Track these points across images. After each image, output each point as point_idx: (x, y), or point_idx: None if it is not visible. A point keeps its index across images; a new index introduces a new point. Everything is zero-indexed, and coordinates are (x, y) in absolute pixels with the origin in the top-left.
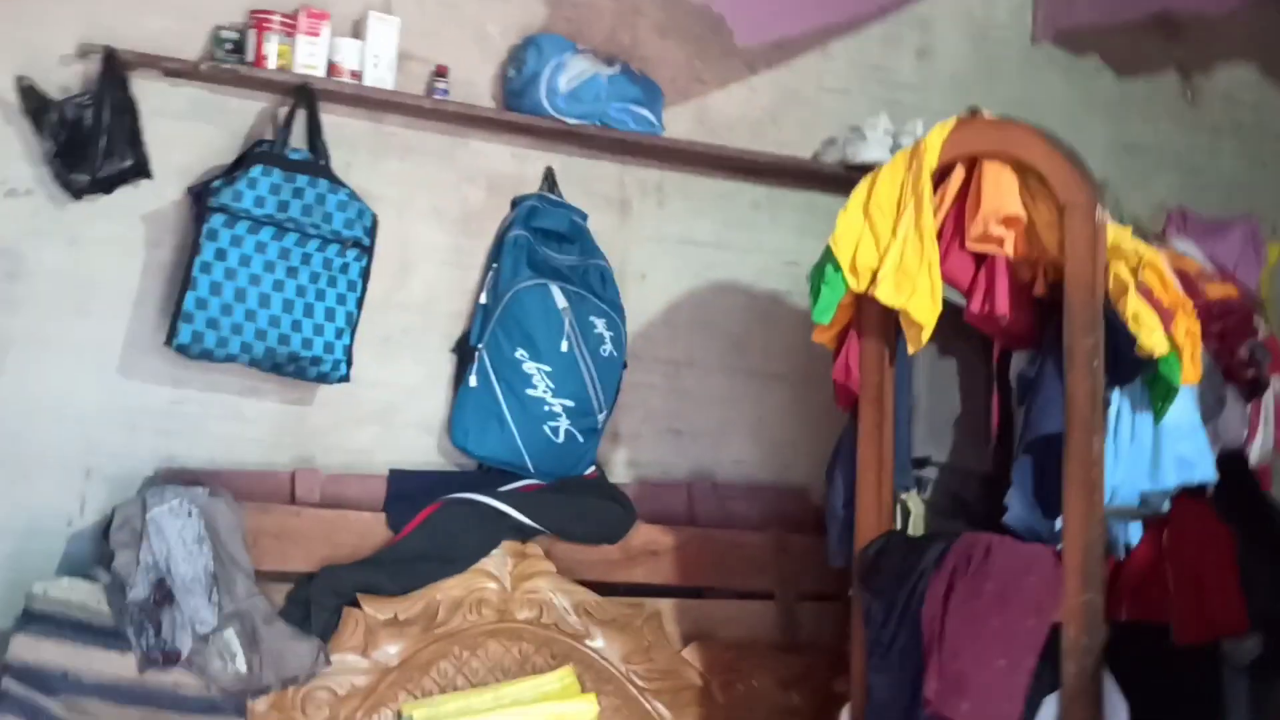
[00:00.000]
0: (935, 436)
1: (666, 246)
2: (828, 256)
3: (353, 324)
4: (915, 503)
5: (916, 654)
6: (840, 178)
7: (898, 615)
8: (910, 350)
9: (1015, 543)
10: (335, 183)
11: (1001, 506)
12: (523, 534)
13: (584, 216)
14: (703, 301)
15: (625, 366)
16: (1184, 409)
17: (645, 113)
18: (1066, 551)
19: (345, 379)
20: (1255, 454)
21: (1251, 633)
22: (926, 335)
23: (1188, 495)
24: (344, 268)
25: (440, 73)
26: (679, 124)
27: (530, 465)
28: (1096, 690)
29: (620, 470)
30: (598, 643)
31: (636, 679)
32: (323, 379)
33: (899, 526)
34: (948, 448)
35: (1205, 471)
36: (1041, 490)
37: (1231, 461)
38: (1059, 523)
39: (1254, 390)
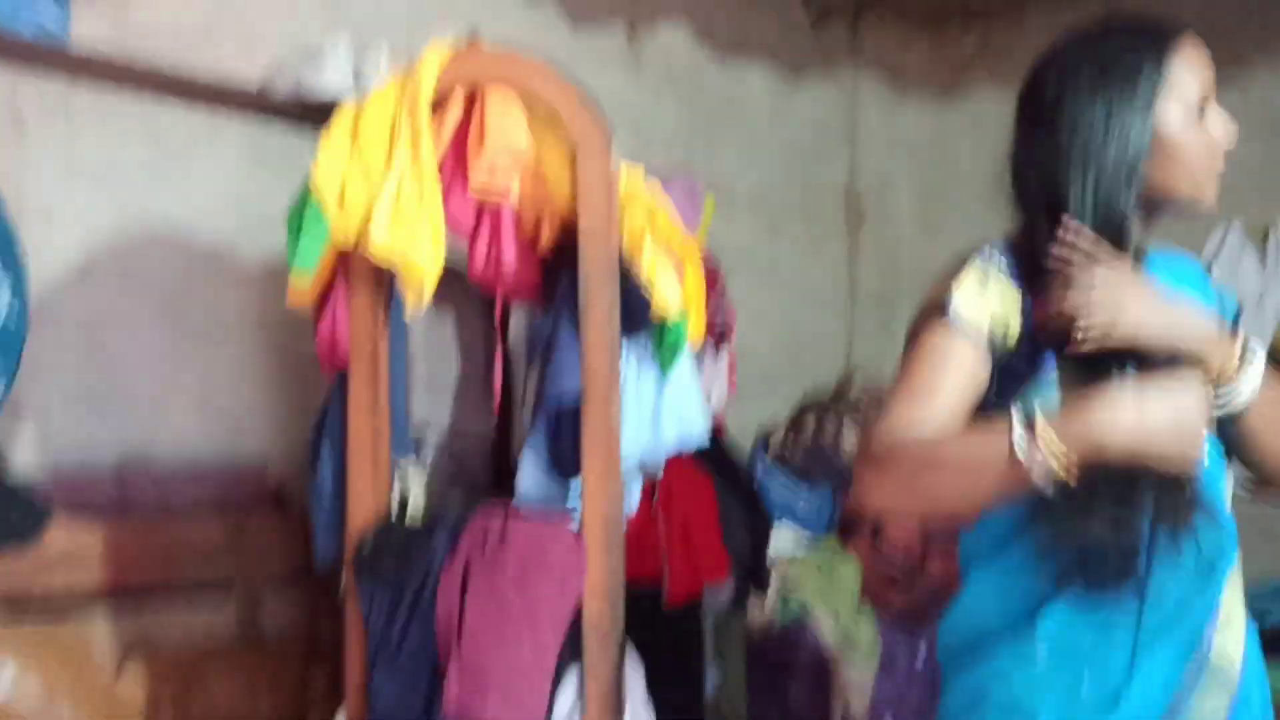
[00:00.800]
0: (436, 403)
1: (79, 180)
2: (308, 198)
3: None
4: (416, 478)
5: (432, 652)
6: (295, 108)
7: (407, 609)
8: (410, 307)
9: (535, 517)
10: None
11: (512, 475)
12: None
13: None
14: (129, 248)
15: (28, 325)
16: (685, 365)
17: (43, 8)
18: (587, 521)
19: None
20: (716, 404)
21: (730, 578)
22: (429, 290)
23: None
24: None
25: None
26: (93, 29)
27: None
28: (619, 664)
29: (28, 456)
30: (5, 678)
31: (65, 715)
32: None
33: (399, 506)
34: (450, 415)
35: (704, 428)
36: (556, 456)
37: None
38: (575, 490)
39: (720, 342)
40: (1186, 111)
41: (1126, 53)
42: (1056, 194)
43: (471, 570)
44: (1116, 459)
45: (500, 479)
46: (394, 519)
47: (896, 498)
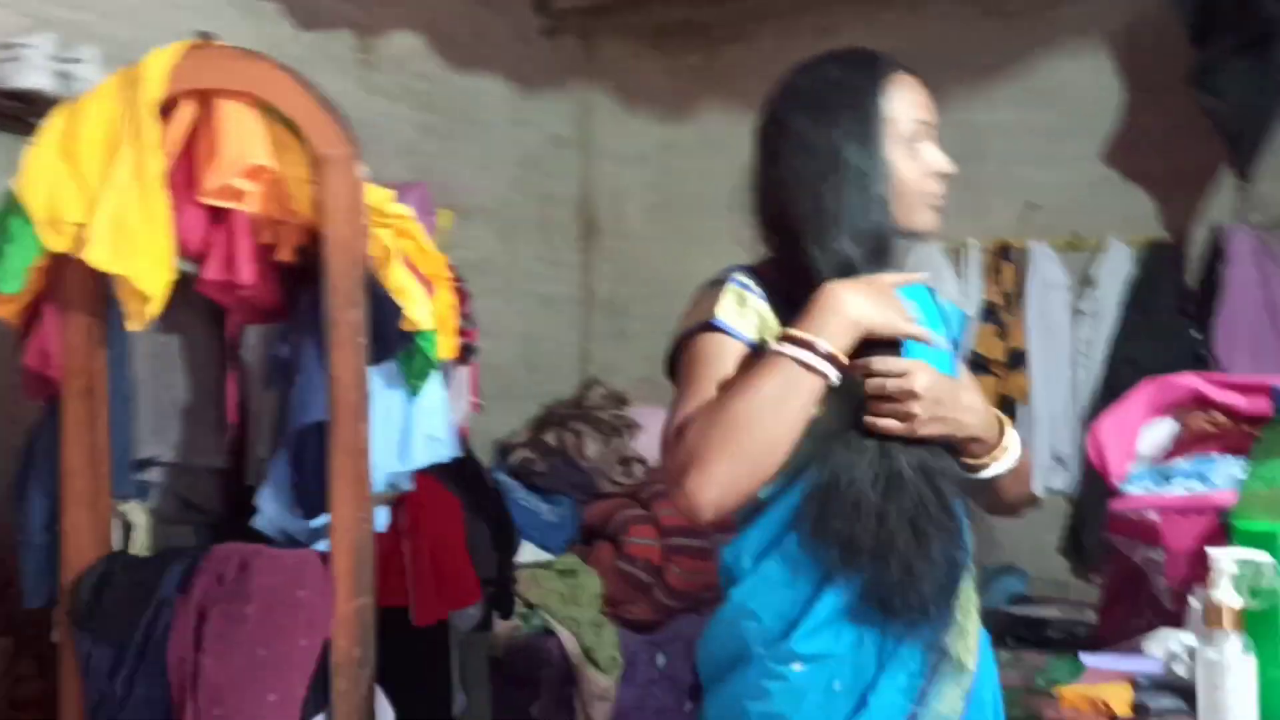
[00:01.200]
0: (160, 431)
1: None
2: (13, 207)
3: None
4: (139, 514)
5: (164, 705)
6: None
7: (133, 660)
8: (133, 327)
9: (277, 552)
10: None
11: (248, 509)
12: None
13: None
14: None
15: None
16: (434, 384)
17: None
18: (336, 552)
19: None
20: (460, 419)
21: (479, 599)
22: (156, 308)
23: (422, 472)
24: None
25: None
26: None
27: None
28: (370, 703)
29: None
30: None
31: None
32: None
33: (121, 547)
34: (176, 444)
35: (452, 447)
36: (299, 486)
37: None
38: (319, 521)
39: (463, 356)
40: (901, 142)
41: (845, 87)
42: (799, 226)
43: (208, 614)
44: (855, 330)
45: (235, 513)
46: (116, 559)
47: (717, 472)
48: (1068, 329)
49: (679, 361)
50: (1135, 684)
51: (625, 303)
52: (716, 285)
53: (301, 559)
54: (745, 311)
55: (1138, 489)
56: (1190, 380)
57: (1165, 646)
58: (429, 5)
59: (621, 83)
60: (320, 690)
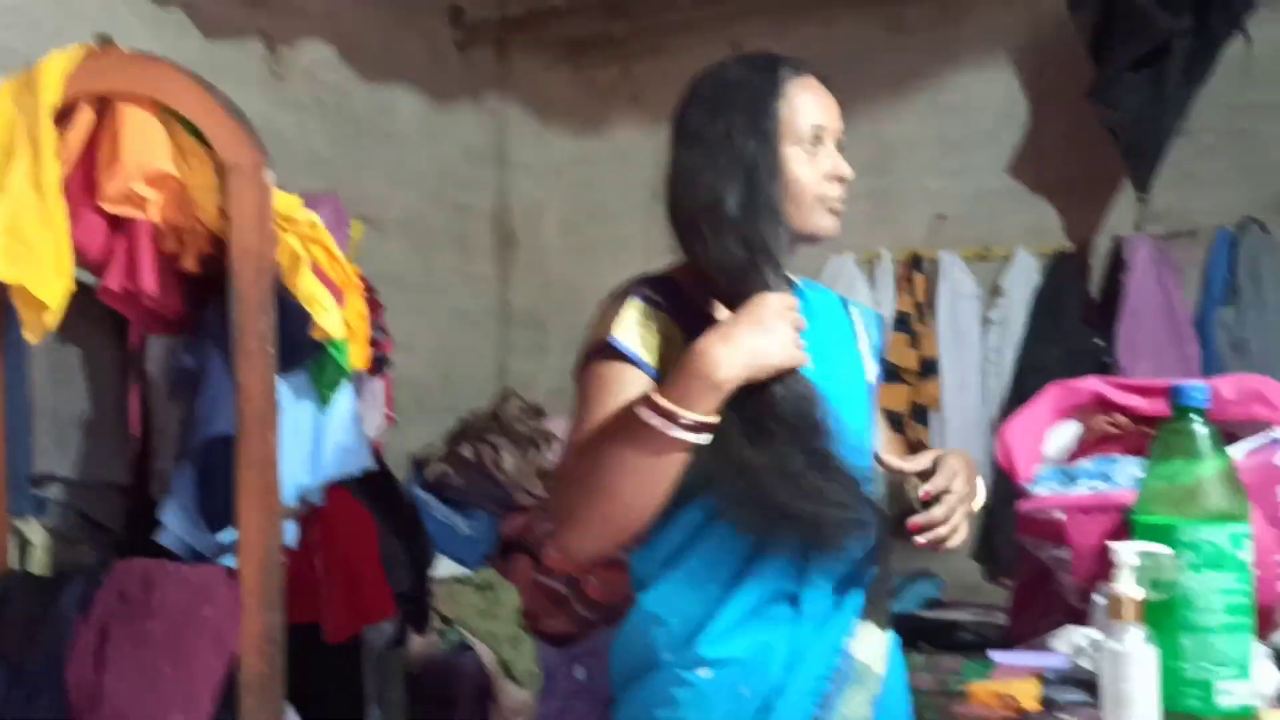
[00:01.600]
0: (59, 446)
1: None
2: None
3: None
4: (36, 531)
5: None
6: None
7: (31, 681)
8: (30, 338)
9: (183, 569)
10: None
11: (151, 524)
12: None
13: None
14: None
15: None
16: (345, 395)
17: None
18: (243, 568)
19: None
20: (374, 432)
21: (393, 614)
22: (54, 318)
23: (333, 485)
24: None
25: None
26: None
27: None
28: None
29: None
30: None
31: None
32: None
33: (18, 564)
34: (75, 459)
35: (363, 459)
36: (205, 500)
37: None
38: (226, 536)
39: (376, 369)
40: (798, 144)
41: (743, 86)
42: (692, 221)
43: (110, 632)
44: (725, 389)
45: (139, 530)
46: (13, 578)
47: (586, 531)
48: (977, 337)
49: (577, 388)
50: (1043, 679)
51: (542, 315)
52: (619, 299)
53: (208, 575)
54: (646, 330)
55: (1044, 490)
56: (1093, 384)
57: (1071, 641)
58: (339, 16)
59: (536, 96)
60: (228, 710)
